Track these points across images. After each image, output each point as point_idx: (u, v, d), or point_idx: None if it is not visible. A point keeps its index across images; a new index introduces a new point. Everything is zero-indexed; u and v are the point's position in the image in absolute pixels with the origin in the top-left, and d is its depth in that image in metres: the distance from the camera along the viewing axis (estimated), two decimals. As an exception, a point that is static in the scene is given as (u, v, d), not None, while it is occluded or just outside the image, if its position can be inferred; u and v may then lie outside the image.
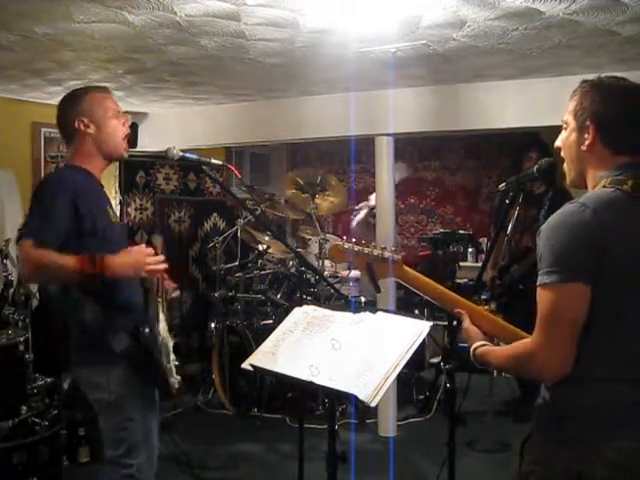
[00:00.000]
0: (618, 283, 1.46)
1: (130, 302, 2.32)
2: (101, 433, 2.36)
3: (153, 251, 2.33)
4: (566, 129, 1.65)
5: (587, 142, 1.58)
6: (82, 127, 2.35)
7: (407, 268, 1.89)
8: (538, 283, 1.49)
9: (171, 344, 2.50)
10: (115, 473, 2.30)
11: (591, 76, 1.65)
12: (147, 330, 2.26)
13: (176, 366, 2.48)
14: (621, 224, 1.47)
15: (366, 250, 1.88)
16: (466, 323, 1.79)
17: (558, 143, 1.69)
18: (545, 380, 1.54)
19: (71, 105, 2.39)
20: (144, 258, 2.26)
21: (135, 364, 2.26)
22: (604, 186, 1.54)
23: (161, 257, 2.36)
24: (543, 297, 1.47)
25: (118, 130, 2.43)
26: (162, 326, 2.41)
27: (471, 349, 1.73)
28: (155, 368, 2.30)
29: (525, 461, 1.57)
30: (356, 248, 1.88)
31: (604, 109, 1.56)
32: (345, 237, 1.91)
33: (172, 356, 2.46)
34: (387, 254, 1.87)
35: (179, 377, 2.46)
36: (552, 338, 1.46)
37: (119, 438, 2.29)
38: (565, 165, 1.68)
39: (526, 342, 1.53)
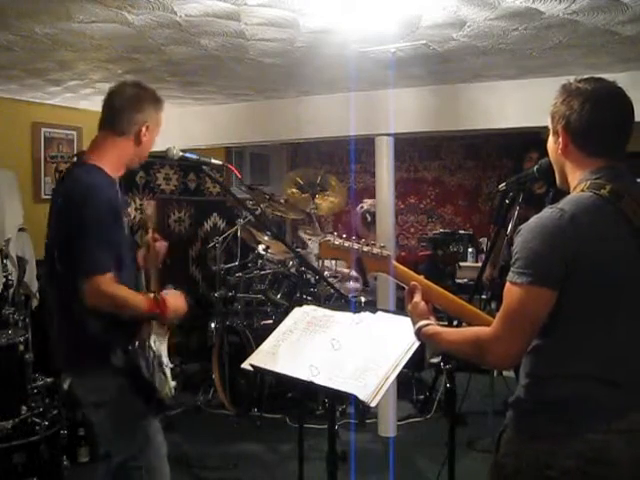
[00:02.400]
0: (591, 286, 1.50)
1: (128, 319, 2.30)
2: (107, 438, 2.37)
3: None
4: (549, 133, 1.70)
5: (560, 145, 1.63)
6: (142, 132, 2.30)
7: (396, 263, 1.91)
8: (508, 279, 1.54)
9: (164, 349, 2.45)
10: (125, 477, 2.31)
11: (593, 74, 1.66)
12: (135, 346, 2.25)
13: (171, 369, 2.45)
14: (596, 230, 1.51)
15: (356, 246, 1.89)
16: (417, 297, 1.82)
17: (548, 149, 1.74)
18: (493, 368, 1.61)
19: (149, 104, 2.32)
20: (183, 303, 2.41)
21: (129, 376, 2.26)
22: (582, 190, 1.57)
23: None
24: (511, 293, 1.53)
25: (150, 149, 2.42)
26: (154, 338, 2.38)
27: (416, 326, 1.78)
28: (144, 385, 2.28)
29: (499, 454, 1.63)
30: (346, 244, 1.90)
31: (570, 112, 1.59)
32: (335, 233, 1.93)
33: (165, 361, 2.42)
34: (376, 250, 1.88)
35: (174, 383, 2.44)
36: (513, 332, 1.52)
37: (125, 442, 2.30)
38: (554, 167, 1.74)
39: (486, 330, 1.57)
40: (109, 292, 2.12)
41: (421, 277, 1.88)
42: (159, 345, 2.40)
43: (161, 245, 2.63)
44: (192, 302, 2.57)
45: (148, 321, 2.30)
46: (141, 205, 5.78)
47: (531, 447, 1.54)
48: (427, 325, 1.76)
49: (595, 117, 1.57)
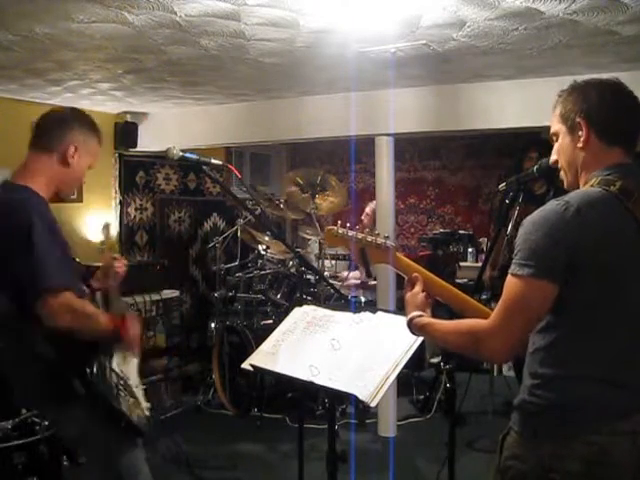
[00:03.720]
0: (594, 284, 1.48)
1: (87, 341, 2.13)
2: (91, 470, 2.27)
3: None
4: (557, 139, 1.68)
5: (582, 138, 1.60)
6: (70, 152, 2.19)
7: (400, 255, 1.90)
8: (510, 271, 1.52)
9: (133, 370, 2.31)
10: None
11: (591, 76, 1.67)
12: (93, 370, 2.11)
13: (144, 390, 2.33)
14: (602, 225, 1.49)
15: (360, 235, 1.88)
16: (417, 288, 1.81)
17: (554, 157, 1.71)
18: (488, 361, 1.59)
19: (80, 126, 2.24)
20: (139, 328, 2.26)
21: (93, 404, 2.12)
22: (592, 185, 1.56)
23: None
24: (512, 285, 1.51)
25: (82, 177, 2.30)
26: (116, 360, 2.23)
27: (409, 316, 1.76)
28: (110, 411, 2.15)
29: (503, 456, 1.61)
30: (350, 233, 1.89)
31: (589, 103, 1.59)
32: (339, 222, 1.92)
33: (134, 382, 2.27)
34: (380, 240, 1.88)
35: (147, 404, 2.30)
36: (511, 326, 1.50)
37: (106, 474, 2.20)
38: (562, 173, 1.71)
39: (482, 322, 1.56)
40: (74, 307, 2.01)
41: (424, 269, 1.88)
42: (125, 367, 2.26)
43: (120, 265, 2.43)
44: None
45: (106, 343, 2.16)
46: (141, 205, 5.78)
47: (535, 450, 1.52)
48: (420, 316, 1.74)
49: (616, 103, 1.59)
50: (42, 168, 2.19)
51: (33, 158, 2.21)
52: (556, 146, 1.69)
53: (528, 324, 1.52)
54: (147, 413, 2.26)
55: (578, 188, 1.64)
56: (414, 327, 1.76)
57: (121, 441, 2.20)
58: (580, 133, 1.60)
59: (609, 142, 1.59)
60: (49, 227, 2.05)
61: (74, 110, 2.34)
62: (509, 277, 1.52)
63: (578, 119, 1.59)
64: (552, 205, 1.52)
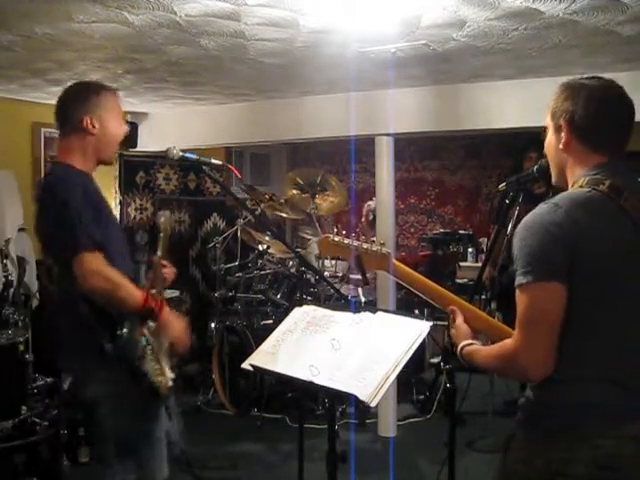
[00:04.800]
0: (593, 283, 1.47)
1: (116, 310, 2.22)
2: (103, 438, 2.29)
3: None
4: (548, 132, 1.68)
5: (563, 140, 1.60)
6: (86, 124, 2.28)
7: (397, 262, 1.89)
8: (516, 284, 1.50)
9: (162, 349, 2.36)
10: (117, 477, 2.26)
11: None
12: (124, 331, 2.17)
13: (175, 363, 2.39)
14: (594, 224, 1.48)
15: (355, 243, 1.88)
16: (459, 320, 1.78)
17: (545, 148, 1.71)
18: (529, 379, 1.57)
19: (87, 95, 2.33)
20: (183, 327, 2.35)
21: (121, 365, 2.18)
22: (580, 186, 1.55)
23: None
24: (521, 298, 1.49)
25: (118, 135, 2.40)
26: (148, 328, 2.27)
27: (459, 347, 1.74)
28: (132, 370, 2.20)
29: (508, 459, 1.59)
30: (345, 241, 1.89)
31: (574, 107, 1.58)
32: (335, 230, 1.92)
33: (163, 356, 2.33)
34: (375, 247, 1.88)
35: (172, 375, 2.35)
36: (532, 339, 1.47)
37: (121, 442, 2.24)
38: (550, 167, 1.71)
39: (508, 343, 1.53)
40: (101, 270, 2.10)
41: (423, 277, 1.86)
42: (157, 339, 2.31)
43: (169, 272, 2.60)
44: (195, 337, 2.50)
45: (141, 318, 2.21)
46: (141, 205, 5.78)
47: (541, 454, 1.50)
48: (468, 345, 1.71)
49: (601, 111, 1.57)
50: (73, 147, 2.32)
51: (63, 142, 2.36)
52: (546, 141, 1.69)
53: (550, 331, 1.47)
54: (170, 383, 2.33)
55: (564, 185, 1.64)
56: (464, 357, 1.72)
57: (142, 406, 2.25)
58: (562, 135, 1.60)
59: (591, 148, 1.58)
60: (85, 197, 2.18)
61: (75, 85, 2.45)
62: (517, 292, 1.50)
63: (562, 121, 1.59)
64: (541, 208, 1.51)
